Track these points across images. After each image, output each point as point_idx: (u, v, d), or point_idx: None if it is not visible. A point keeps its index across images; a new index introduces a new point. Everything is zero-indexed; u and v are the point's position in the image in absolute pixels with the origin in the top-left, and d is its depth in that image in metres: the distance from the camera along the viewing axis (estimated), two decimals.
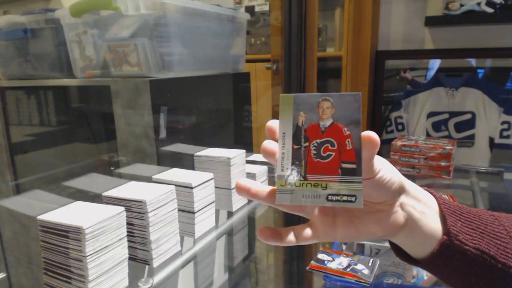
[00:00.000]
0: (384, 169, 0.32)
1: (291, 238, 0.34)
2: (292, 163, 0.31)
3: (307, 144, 0.31)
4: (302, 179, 0.31)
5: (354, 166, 0.30)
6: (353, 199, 0.30)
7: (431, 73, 1.74)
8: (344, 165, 0.30)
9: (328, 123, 0.31)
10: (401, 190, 0.34)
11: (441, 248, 0.34)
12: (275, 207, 0.34)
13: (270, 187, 0.34)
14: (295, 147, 0.31)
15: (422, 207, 0.35)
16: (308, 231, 0.34)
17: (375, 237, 0.35)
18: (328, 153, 0.31)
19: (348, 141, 0.30)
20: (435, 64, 1.74)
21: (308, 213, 0.36)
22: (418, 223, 0.35)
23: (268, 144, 0.32)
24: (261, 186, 0.34)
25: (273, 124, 0.32)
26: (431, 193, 0.38)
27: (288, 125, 0.31)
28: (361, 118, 0.30)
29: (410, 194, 0.35)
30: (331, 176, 0.30)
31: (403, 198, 0.34)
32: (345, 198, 0.30)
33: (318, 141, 0.31)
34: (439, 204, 0.36)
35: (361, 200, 0.29)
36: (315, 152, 0.31)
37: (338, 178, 0.30)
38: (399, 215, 0.34)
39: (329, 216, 0.35)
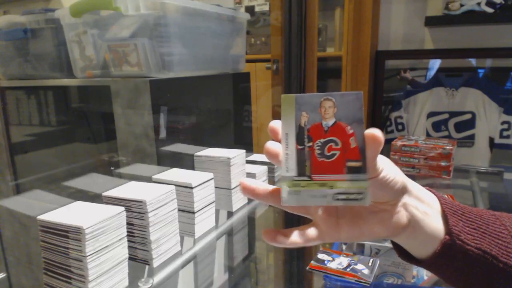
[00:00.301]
0: (387, 168, 0.32)
1: (295, 239, 0.33)
2: (297, 164, 0.31)
3: (310, 144, 0.31)
4: (308, 179, 0.31)
5: (359, 164, 0.30)
6: (360, 196, 0.30)
7: (431, 73, 1.74)
8: (350, 164, 0.30)
9: (330, 122, 0.31)
10: (404, 190, 0.34)
11: (443, 248, 0.34)
12: (279, 208, 0.33)
13: (274, 187, 0.33)
14: (299, 147, 0.31)
15: (425, 208, 0.35)
16: (312, 232, 0.34)
17: (378, 237, 0.35)
18: (332, 152, 0.31)
19: (352, 139, 0.30)
20: (435, 64, 1.74)
21: (311, 214, 0.36)
22: (420, 223, 0.35)
23: (271, 145, 0.32)
24: (266, 186, 0.34)
25: (276, 124, 0.32)
26: (433, 193, 0.38)
27: (290, 126, 0.31)
28: (364, 116, 0.30)
29: (413, 194, 0.35)
30: (337, 175, 0.30)
31: (406, 198, 0.34)
32: (352, 196, 0.30)
33: (322, 140, 0.31)
34: (441, 204, 0.36)
35: (369, 198, 0.29)
36: (319, 151, 0.31)
37: (344, 177, 0.30)
38: (402, 215, 0.34)
39: (333, 217, 0.35)
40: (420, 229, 0.35)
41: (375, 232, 0.34)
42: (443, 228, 0.35)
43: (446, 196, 0.39)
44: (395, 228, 0.34)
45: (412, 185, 0.35)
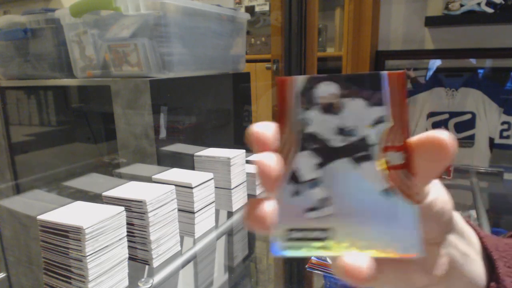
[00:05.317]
0: (435, 191, 0.24)
1: None
2: None
3: None
4: None
5: None
6: None
7: (431, 73, 1.74)
8: None
9: None
10: (450, 224, 0.25)
11: None
12: None
13: None
14: None
15: (465, 247, 0.27)
16: None
17: (413, 287, 0.25)
18: None
19: None
20: (435, 64, 1.74)
21: None
22: (460, 269, 0.26)
23: None
24: None
25: None
26: (469, 224, 0.29)
27: None
28: None
29: (455, 229, 0.26)
30: None
31: (449, 236, 0.26)
32: None
33: None
34: (482, 240, 0.29)
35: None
36: None
37: None
38: (445, 261, 0.25)
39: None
40: (459, 278, 0.26)
41: (410, 279, 0.25)
42: (485, 273, 0.28)
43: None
44: (436, 277, 0.25)
45: (456, 217, 0.26)
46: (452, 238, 0.26)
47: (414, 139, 0.21)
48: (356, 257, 0.19)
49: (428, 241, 0.24)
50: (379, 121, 0.21)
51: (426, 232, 0.23)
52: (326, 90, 0.21)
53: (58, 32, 0.97)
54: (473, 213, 0.93)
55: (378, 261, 0.23)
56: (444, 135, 0.20)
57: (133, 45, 0.84)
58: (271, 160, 0.21)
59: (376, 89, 0.21)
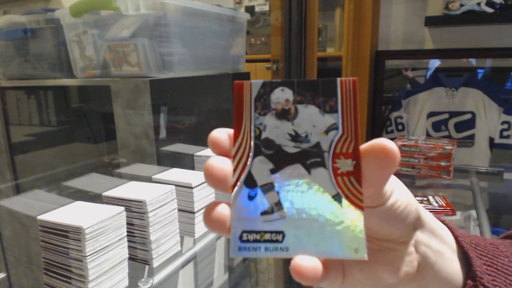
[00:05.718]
0: (398, 192, 0.24)
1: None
2: None
3: None
4: None
5: None
6: None
7: (431, 73, 1.75)
8: None
9: None
10: (417, 223, 0.26)
11: None
12: None
13: None
14: None
15: (439, 245, 0.27)
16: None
17: (382, 285, 0.26)
18: None
19: None
20: (435, 64, 1.74)
21: None
22: (434, 267, 0.26)
23: None
24: None
25: None
26: (443, 223, 0.29)
27: None
28: None
29: (427, 228, 0.27)
30: None
31: (418, 234, 0.26)
32: None
33: None
34: (457, 238, 0.29)
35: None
36: None
37: None
38: (414, 258, 0.26)
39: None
40: (433, 276, 0.27)
41: (379, 278, 0.25)
42: (461, 271, 0.28)
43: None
44: (406, 275, 0.25)
45: (426, 215, 0.27)
46: (421, 236, 0.26)
47: (362, 147, 0.22)
48: (306, 259, 0.20)
49: (395, 240, 0.25)
50: (331, 128, 0.22)
51: (391, 232, 0.25)
52: (281, 95, 0.22)
53: (58, 32, 0.97)
54: (473, 213, 0.93)
55: (343, 262, 0.25)
56: (389, 143, 0.21)
57: (133, 45, 0.84)
58: (220, 163, 0.22)
59: (329, 95, 0.22)
